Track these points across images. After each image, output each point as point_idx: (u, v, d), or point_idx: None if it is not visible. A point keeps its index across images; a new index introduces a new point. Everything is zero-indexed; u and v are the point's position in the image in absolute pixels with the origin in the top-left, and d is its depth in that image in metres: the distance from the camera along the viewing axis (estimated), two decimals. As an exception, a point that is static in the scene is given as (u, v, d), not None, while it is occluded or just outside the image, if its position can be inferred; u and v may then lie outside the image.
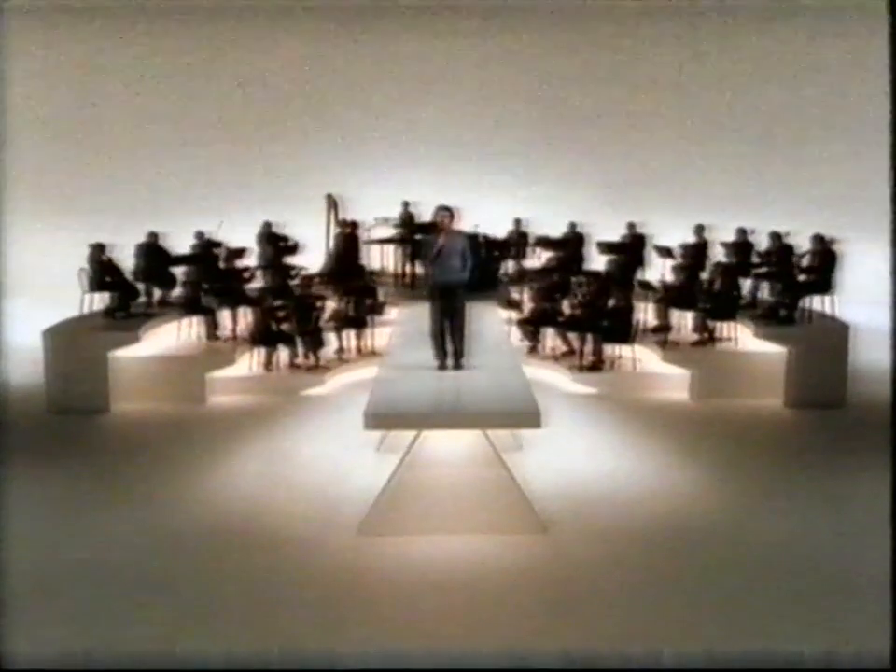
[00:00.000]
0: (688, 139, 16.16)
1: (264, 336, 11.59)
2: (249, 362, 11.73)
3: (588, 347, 11.71)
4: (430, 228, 13.19)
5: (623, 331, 11.48)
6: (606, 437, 9.88)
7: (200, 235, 13.20)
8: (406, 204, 14.95)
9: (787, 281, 11.81)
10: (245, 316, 12.18)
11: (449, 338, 8.36)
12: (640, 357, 11.73)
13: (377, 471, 8.02)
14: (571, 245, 13.75)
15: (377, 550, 7.08)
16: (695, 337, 11.90)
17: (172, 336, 12.14)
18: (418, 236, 13.63)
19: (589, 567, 6.91)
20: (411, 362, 8.67)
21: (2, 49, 10.84)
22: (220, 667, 5.40)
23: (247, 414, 10.78)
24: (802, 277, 11.77)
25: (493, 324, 11.45)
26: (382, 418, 7.31)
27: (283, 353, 11.78)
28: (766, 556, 7.13)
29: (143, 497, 8.30)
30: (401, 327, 11.28)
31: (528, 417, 7.21)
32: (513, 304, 12.54)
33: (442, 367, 8.33)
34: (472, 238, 8.31)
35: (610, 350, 11.71)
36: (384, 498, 7.47)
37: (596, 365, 11.63)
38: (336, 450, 9.32)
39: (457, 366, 8.40)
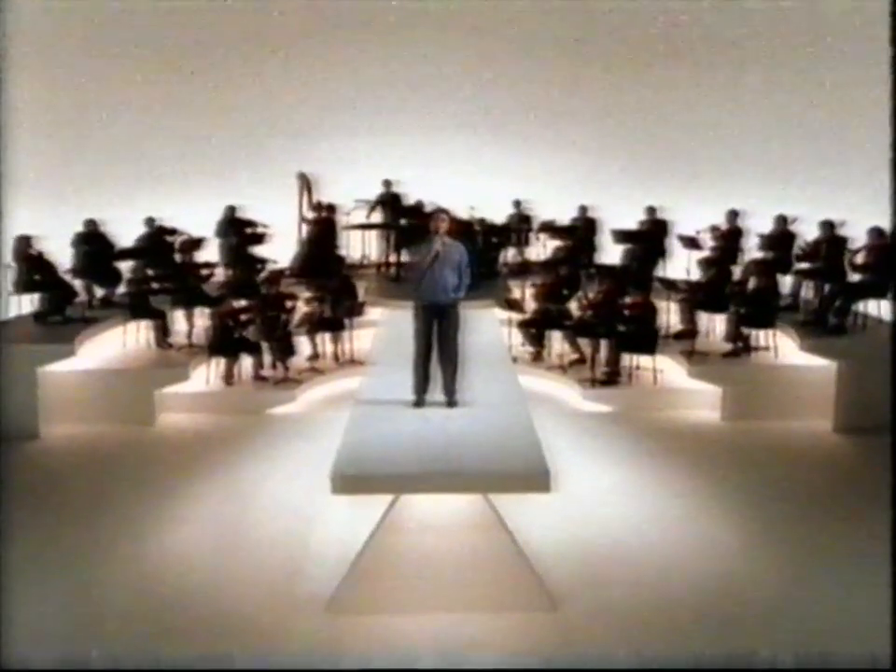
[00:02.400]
0: (721, 106, 15.20)
1: (224, 343, 10.92)
2: (207, 374, 11.04)
3: (601, 355, 11.14)
4: (416, 212, 13.26)
5: (644, 338, 10.84)
6: (623, 471, 9.20)
7: (150, 222, 12.53)
8: (388, 184, 14.40)
9: (838, 281, 11.00)
10: (204, 320, 11.57)
11: (439, 369, 7.62)
12: (662, 369, 11.08)
13: (354, 524, 7.20)
14: (581, 232, 13.28)
15: (351, 632, 6.36)
16: (727, 346, 11.22)
17: (116, 344, 11.48)
18: (403, 221, 13.21)
19: (605, 654, 6.12)
20: (394, 386, 7.88)
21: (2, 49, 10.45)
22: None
23: (203, 439, 10.09)
24: (855, 277, 10.98)
25: (490, 330, 10.86)
26: (353, 481, 6.39)
27: (246, 363, 11.16)
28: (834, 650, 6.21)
29: (58, 560, 7.37)
30: (384, 332, 10.60)
31: (535, 479, 6.34)
32: (513, 304, 11.79)
33: (419, 403, 7.60)
34: (472, 252, 7.75)
35: (627, 359, 11.11)
36: (357, 569, 6.63)
37: (611, 378, 11.01)
38: (306, 489, 8.47)
39: (449, 403, 7.65)
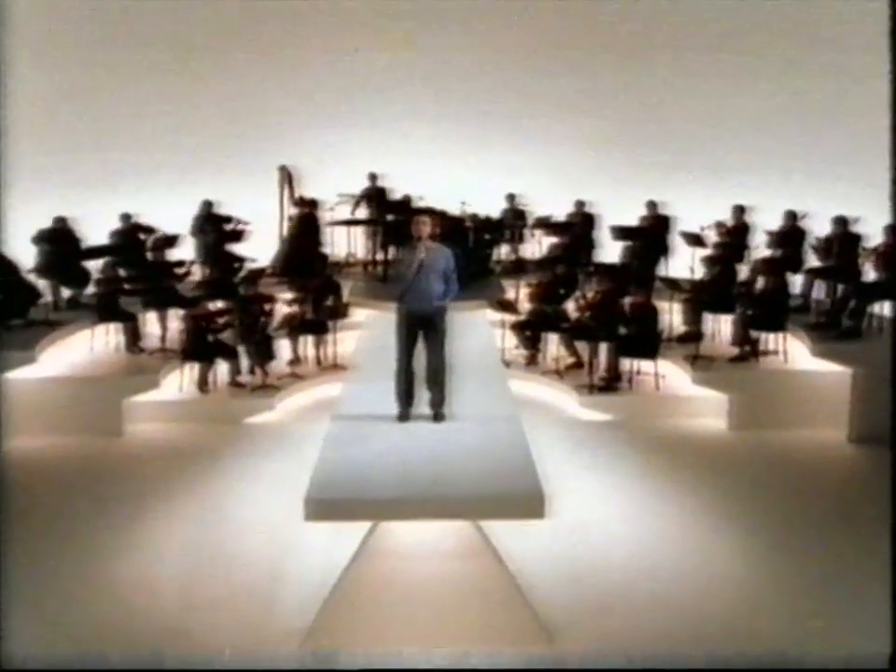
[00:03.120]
0: (727, 97, 14.89)
1: (199, 348, 10.64)
2: (180, 381, 10.70)
3: (600, 360, 10.89)
4: (404, 207, 13.02)
5: (645, 341, 10.60)
6: (623, 487, 8.91)
7: (126, 218, 12.37)
8: (374, 177, 14.13)
9: (852, 281, 10.77)
10: (178, 322, 11.27)
11: (425, 381, 7.37)
12: (664, 374, 10.84)
13: (334, 548, 6.85)
14: (578, 228, 13.12)
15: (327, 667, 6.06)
16: (734, 351, 10.95)
17: (82, 349, 11.15)
18: (390, 217, 13.03)
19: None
20: (376, 397, 7.62)
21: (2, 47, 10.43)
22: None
23: (174, 452, 9.72)
24: (871, 276, 10.82)
25: (481, 333, 10.68)
26: (327, 506, 6.01)
27: (222, 368, 10.88)
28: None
29: (12, 583, 6.89)
30: (369, 336, 10.33)
31: (529, 504, 6.01)
32: (507, 305, 11.56)
33: (404, 417, 7.37)
34: (458, 256, 7.55)
35: (627, 364, 10.88)
36: (334, 600, 6.30)
37: (610, 383, 10.78)
38: (283, 508, 8.03)
39: (435, 417, 7.40)
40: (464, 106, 15.35)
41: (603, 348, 10.89)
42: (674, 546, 7.72)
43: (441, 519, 6.17)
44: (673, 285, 11.50)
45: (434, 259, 7.23)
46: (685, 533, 7.96)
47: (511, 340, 11.46)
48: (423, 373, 7.43)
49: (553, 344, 11.51)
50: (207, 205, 13.16)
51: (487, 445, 6.88)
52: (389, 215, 13.16)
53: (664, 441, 10.02)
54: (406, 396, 7.40)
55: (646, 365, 10.83)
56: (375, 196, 13.82)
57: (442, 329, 7.33)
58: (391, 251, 12.26)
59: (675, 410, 10.64)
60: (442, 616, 6.23)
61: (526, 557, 7.03)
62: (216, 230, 12.79)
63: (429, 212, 11.92)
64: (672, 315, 11.45)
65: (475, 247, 12.91)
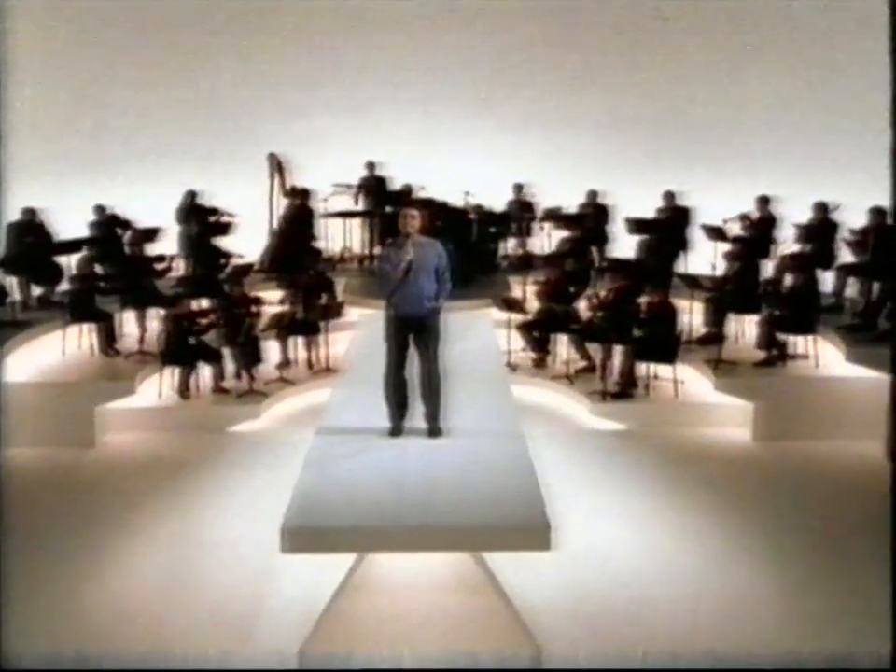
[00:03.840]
0: (751, 79, 14.61)
1: (179, 350, 10.39)
2: (159, 386, 10.45)
3: (614, 363, 10.68)
4: (404, 198, 12.89)
5: (663, 344, 10.34)
6: (637, 504, 8.55)
7: (100, 210, 12.32)
8: (371, 166, 14.03)
9: (890, 278, 10.51)
10: (159, 322, 10.99)
11: (419, 392, 7.17)
12: (683, 380, 10.59)
13: (320, 574, 6.43)
14: (591, 221, 13.00)
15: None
16: (760, 354, 10.66)
17: (53, 351, 10.90)
18: (389, 208, 13.03)
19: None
20: (367, 408, 7.41)
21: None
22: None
23: (151, 464, 9.44)
24: None
25: (484, 335, 10.65)
26: (307, 537, 5.67)
27: (205, 372, 10.68)
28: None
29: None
30: (362, 338, 10.13)
31: (532, 535, 5.68)
32: (513, 303, 11.32)
33: (396, 432, 7.13)
34: (450, 252, 7.32)
35: (643, 368, 10.65)
36: (316, 638, 5.92)
37: (625, 390, 10.52)
38: (267, 529, 7.35)
39: (431, 431, 7.14)
40: (467, 89, 15.23)
41: (617, 351, 10.69)
42: (693, 575, 7.33)
43: (434, 551, 5.86)
44: (693, 282, 11.28)
45: (424, 257, 6.94)
46: (705, 560, 7.58)
47: (517, 341, 11.28)
48: (417, 382, 7.21)
49: (562, 347, 11.30)
50: (191, 196, 13.05)
51: (487, 465, 6.64)
52: (388, 206, 13.12)
53: (682, 453, 9.76)
54: (398, 408, 7.15)
55: (663, 370, 10.63)
56: (374, 186, 13.75)
57: (436, 333, 7.07)
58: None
59: (695, 419, 10.38)
60: (437, 654, 5.85)
61: (529, 588, 6.63)
62: (200, 222, 12.69)
63: (428, 203, 12.20)
64: (692, 316, 11.24)
65: (479, 241, 12.95)
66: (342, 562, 6.09)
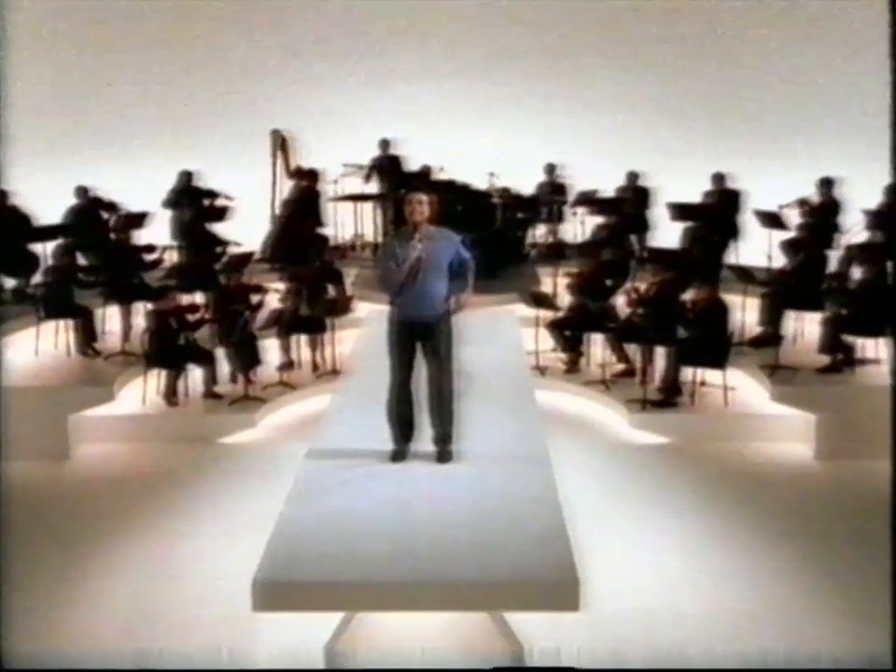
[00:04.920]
0: (810, 44, 14.45)
1: (166, 350, 10.20)
2: (143, 391, 10.24)
3: (656, 367, 10.46)
4: (421, 180, 13.57)
5: (711, 346, 10.01)
6: (681, 535, 8.06)
7: (83, 192, 12.22)
8: (386, 144, 13.87)
9: None
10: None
11: (427, 409, 6.68)
12: (735, 387, 10.31)
13: (308, 626, 5.99)
14: (630, 206, 12.94)
15: None
16: (823, 359, 10.35)
17: (25, 351, 10.76)
18: (404, 191, 12.77)
19: None
20: (367, 426, 6.96)
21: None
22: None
23: (130, 480, 9.18)
24: None
25: (507, 337, 10.37)
26: (284, 593, 5.12)
27: (196, 375, 10.48)
28: None
29: None
30: (370, 337, 9.70)
31: (557, 594, 5.14)
32: (542, 299, 11.19)
33: (399, 456, 6.72)
34: (465, 242, 6.92)
35: (689, 373, 10.34)
36: None
37: (668, 398, 10.18)
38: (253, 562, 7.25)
39: (441, 456, 6.68)
40: (494, 59, 15.10)
41: (659, 353, 10.46)
42: (746, 621, 6.81)
43: (439, 611, 5.43)
44: (745, 275, 11.00)
45: (435, 251, 6.43)
46: (762, 603, 7.06)
47: (546, 341, 11.13)
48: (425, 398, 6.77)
49: (597, 348, 11.16)
50: (186, 176, 12.98)
51: (505, 500, 6.17)
52: (404, 189, 12.86)
53: (733, 472, 9.36)
54: (402, 428, 6.73)
55: (712, 375, 10.30)
56: (388, 167, 13.68)
57: (447, 340, 6.60)
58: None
59: (748, 432, 10.07)
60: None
61: (557, 641, 6.12)
62: (194, 205, 12.69)
63: (448, 186, 12.47)
64: (744, 314, 10.93)
65: (505, 229, 12.80)
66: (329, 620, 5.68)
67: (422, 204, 6.34)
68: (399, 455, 6.65)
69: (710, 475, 9.21)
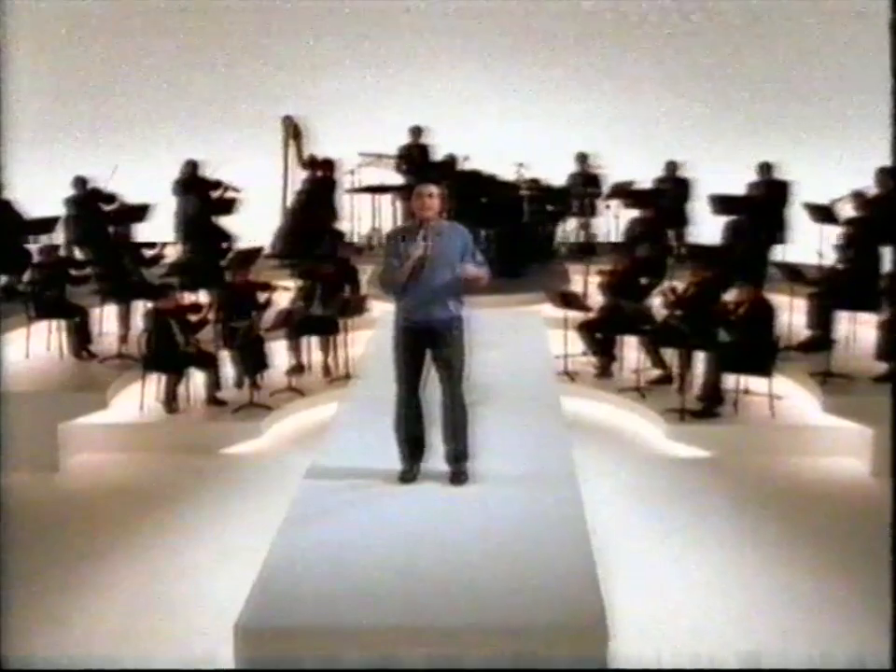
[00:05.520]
0: (866, 21, 13.97)
1: (166, 353, 10.05)
2: (141, 397, 10.05)
3: (695, 374, 10.25)
4: (446, 170, 12.89)
5: (756, 351, 9.80)
6: (723, 557, 7.72)
7: (81, 183, 12.09)
8: (418, 132, 13.75)
9: None
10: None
11: (441, 425, 6.40)
12: (782, 395, 10.07)
13: None
14: (668, 198, 12.86)
15: None
16: (880, 367, 10.06)
17: (16, 354, 10.61)
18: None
19: None
20: (375, 440, 6.70)
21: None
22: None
23: (123, 495, 8.94)
24: None
25: (532, 341, 10.26)
26: (271, 639, 4.76)
27: (197, 379, 10.31)
28: None
29: None
30: (383, 339, 9.29)
31: (581, 643, 4.74)
32: (572, 298, 10.97)
33: (408, 477, 6.44)
34: (477, 236, 7.03)
35: (732, 380, 10.09)
36: None
37: (709, 407, 9.92)
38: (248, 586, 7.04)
39: (454, 477, 6.38)
40: (522, 40, 14.97)
41: (699, 359, 10.22)
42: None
43: (442, 655, 4.90)
44: (794, 274, 10.84)
45: (445, 248, 6.08)
46: (826, 634, 6.66)
47: (576, 344, 10.96)
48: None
49: (632, 352, 10.96)
50: (191, 166, 12.86)
51: (527, 530, 5.81)
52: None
53: (781, 490, 9.03)
54: (410, 446, 6.44)
55: (757, 383, 10.08)
56: (418, 156, 13.58)
57: (460, 348, 6.32)
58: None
59: (796, 446, 9.74)
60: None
61: None
62: (200, 197, 12.59)
63: (473, 176, 12.65)
64: (792, 315, 10.80)
65: (532, 222, 12.72)
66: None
67: (433, 198, 6.01)
68: (407, 475, 6.36)
69: (755, 493, 8.91)
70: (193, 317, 10.32)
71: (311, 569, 5.27)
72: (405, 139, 13.72)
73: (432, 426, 6.47)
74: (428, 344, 6.26)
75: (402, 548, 5.53)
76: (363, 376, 9.09)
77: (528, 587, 5.21)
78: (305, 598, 5.02)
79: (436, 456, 6.46)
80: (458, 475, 6.32)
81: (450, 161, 13.38)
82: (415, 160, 13.64)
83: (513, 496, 6.19)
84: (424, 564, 5.39)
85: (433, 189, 6.06)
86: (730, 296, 10.31)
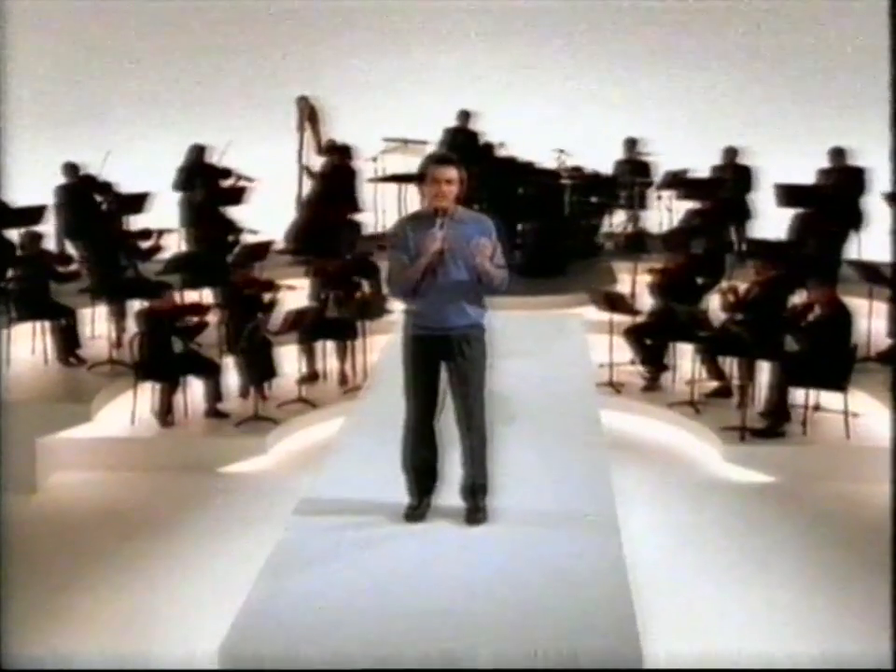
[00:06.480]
0: None
1: (160, 359, 9.85)
2: (132, 409, 9.83)
3: (759, 387, 10.00)
4: (484, 156, 12.89)
5: (829, 361, 9.44)
6: (790, 598, 7.29)
7: (73, 169, 11.97)
8: (466, 116, 13.71)
9: None
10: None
11: (461, 454, 5.82)
12: (859, 412, 9.65)
13: None
14: (728, 189, 12.57)
15: None
16: None
17: None
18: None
19: None
20: (384, 463, 6.07)
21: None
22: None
23: (109, 519, 8.71)
24: None
25: (571, 349, 9.83)
26: None
27: (196, 389, 10.12)
28: None
29: None
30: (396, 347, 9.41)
31: None
32: (618, 300, 10.74)
33: (416, 515, 5.87)
34: (500, 229, 5.95)
35: (800, 395, 9.72)
36: None
37: (774, 426, 9.55)
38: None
39: (470, 514, 5.78)
40: (563, 17, 14.65)
41: (763, 370, 9.92)
42: None
43: None
44: (872, 274, 10.50)
45: (462, 242, 5.43)
46: None
47: (623, 352, 10.73)
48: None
49: (685, 361, 10.64)
50: (198, 152, 12.80)
51: (556, 579, 5.23)
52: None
53: (856, 520, 8.51)
54: (420, 478, 5.85)
55: (829, 398, 9.72)
56: (466, 143, 13.37)
57: (480, 358, 5.73)
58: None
59: (875, 471, 8.92)
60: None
61: None
62: (207, 186, 12.50)
63: (510, 164, 12.41)
64: (871, 321, 10.41)
65: (575, 215, 12.66)
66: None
67: (451, 184, 5.32)
68: (414, 512, 5.77)
69: (827, 527, 8.42)
70: (192, 319, 10.12)
71: (288, 628, 4.71)
72: (431, 124, 13.46)
73: (447, 453, 5.88)
74: (443, 356, 5.68)
75: (405, 602, 4.93)
76: (373, 387, 8.70)
77: (554, 649, 4.63)
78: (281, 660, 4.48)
79: (450, 491, 5.87)
80: (475, 512, 5.76)
81: (488, 147, 13.31)
82: (459, 147, 13.23)
83: (539, 537, 5.63)
84: (430, 619, 4.82)
85: (452, 174, 5.36)
86: (799, 298, 10.08)
